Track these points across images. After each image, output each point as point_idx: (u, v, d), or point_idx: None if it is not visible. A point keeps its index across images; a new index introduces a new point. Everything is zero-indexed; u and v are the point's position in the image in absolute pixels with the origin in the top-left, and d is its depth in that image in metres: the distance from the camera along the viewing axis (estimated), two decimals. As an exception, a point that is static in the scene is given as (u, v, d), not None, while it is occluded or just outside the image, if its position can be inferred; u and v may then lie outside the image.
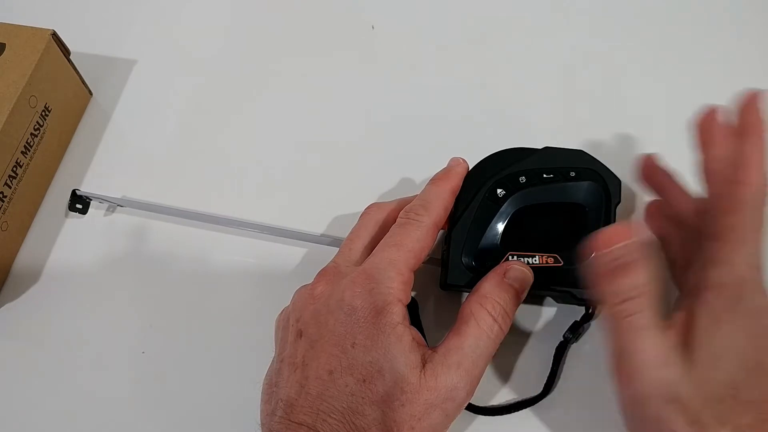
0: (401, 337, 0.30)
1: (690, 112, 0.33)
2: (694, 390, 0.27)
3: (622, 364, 0.29)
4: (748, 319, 0.28)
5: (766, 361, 0.28)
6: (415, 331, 0.31)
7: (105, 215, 0.44)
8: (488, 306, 0.31)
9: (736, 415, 0.27)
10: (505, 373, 0.37)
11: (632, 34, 0.48)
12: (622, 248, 0.28)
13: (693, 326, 0.28)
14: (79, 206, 0.43)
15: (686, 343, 0.28)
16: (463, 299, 0.39)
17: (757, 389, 0.27)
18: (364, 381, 0.29)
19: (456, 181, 0.35)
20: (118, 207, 0.44)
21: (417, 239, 0.32)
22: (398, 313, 0.30)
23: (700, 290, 0.29)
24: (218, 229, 0.42)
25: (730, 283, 0.28)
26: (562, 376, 0.36)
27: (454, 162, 0.37)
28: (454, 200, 0.35)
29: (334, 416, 0.28)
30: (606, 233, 0.29)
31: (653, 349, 0.28)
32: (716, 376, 0.27)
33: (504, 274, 0.33)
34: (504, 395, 0.36)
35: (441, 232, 0.36)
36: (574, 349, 0.37)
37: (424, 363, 0.30)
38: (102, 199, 0.43)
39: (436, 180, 0.36)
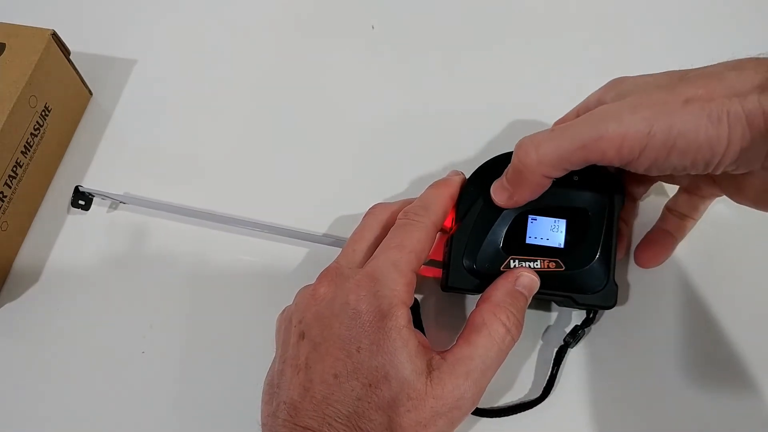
0: (407, 342, 0.29)
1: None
2: None
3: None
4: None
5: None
6: (419, 334, 0.31)
7: (107, 212, 0.44)
8: (502, 316, 0.31)
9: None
10: (505, 376, 0.37)
11: (641, 36, 0.49)
12: None
13: None
14: (81, 203, 0.43)
15: None
16: (465, 300, 0.39)
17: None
18: (371, 386, 0.29)
19: (455, 188, 0.36)
20: (121, 204, 0.44)
21: (418, 240, 0.32)
22: (403, 316, 0.30)
23: None
24: (220, 228, 0.42)
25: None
26: (561, 379, 0.37)
27: (453, 173, 0.37)
28: (452, 205, 0.35)
29: (340, 421, 0.28)
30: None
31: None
32: None
33: (515, 281, 0.33)
34: (504, 398, 0.37)
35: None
36: (573, 352, 0.37)
37: (430, 369, 0.30)
38: (105, 196, 0.43)
39: (435, 184, 0.36)
